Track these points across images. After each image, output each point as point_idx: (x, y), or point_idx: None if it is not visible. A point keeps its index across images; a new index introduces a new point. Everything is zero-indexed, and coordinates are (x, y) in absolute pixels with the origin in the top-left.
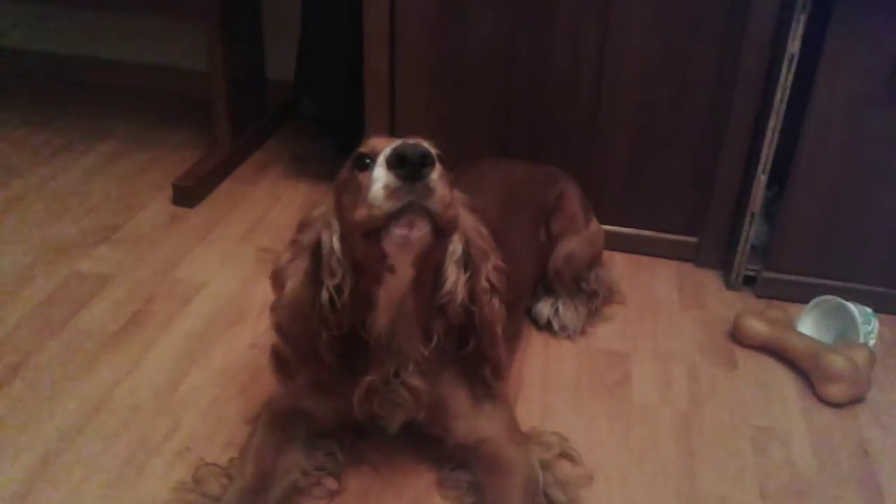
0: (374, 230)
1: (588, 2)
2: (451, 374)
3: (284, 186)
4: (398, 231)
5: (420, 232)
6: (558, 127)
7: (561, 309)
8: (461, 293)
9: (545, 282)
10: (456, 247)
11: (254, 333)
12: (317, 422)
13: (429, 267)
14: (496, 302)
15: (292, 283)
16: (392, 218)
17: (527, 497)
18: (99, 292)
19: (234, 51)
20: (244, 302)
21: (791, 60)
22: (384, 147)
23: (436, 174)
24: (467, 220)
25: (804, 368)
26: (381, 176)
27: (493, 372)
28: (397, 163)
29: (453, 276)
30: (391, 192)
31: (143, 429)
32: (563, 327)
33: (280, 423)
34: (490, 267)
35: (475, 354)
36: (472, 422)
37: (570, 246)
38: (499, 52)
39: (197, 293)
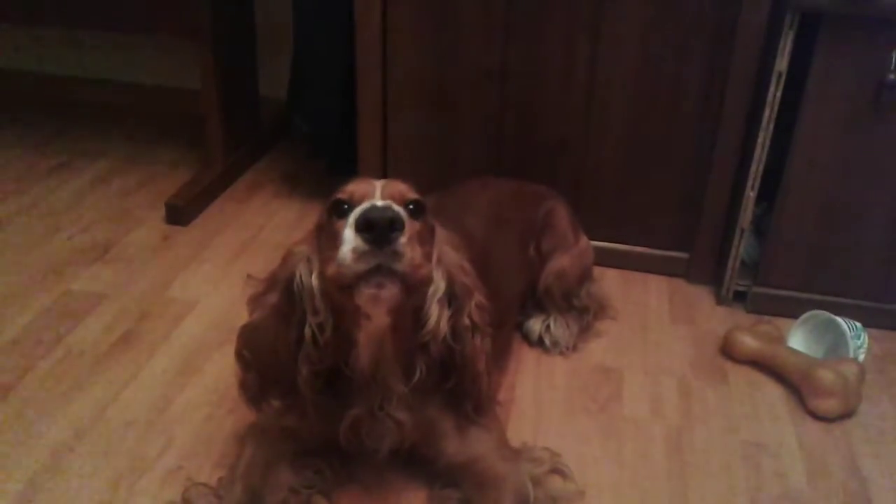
0: (346, 286)
1: (578, 20)
2: (439, 396)
3: (277, 205)
4: (367, 290)
5: (389, 292)
6: (549, 144)
7: (552, 325)
8: (444, 330)
9: (536, 298)
10: (438, 285)
11: None
12: (303, 441)
13: (406, 313)
14: (478, 339)
15: (258, 315)
16: (361, 278)
17: None
18: (91, 311)
19: (227, 69)
20: (236, 320)
21: (779, 78)
22: (362, 193)
23: (404, 238)
24: (450, 256)
25: (794, 383)
26: (349, 238)
27: (475, 407)
28: (365, 227)
29: (435, 315)
30: (359, 255)
31: (135, 447)
32: (555, 343)
33: (268, 442)
34: (473, 305)
35: (457, 390)
36: (461, 441)
37: (561, 262)
38: (490, 69)
39: (189, 311)
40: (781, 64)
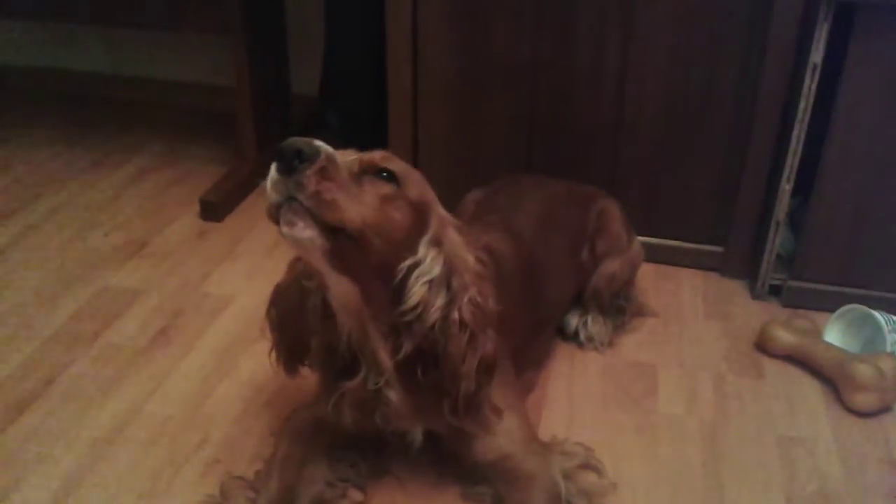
0: (275, 223)
1: (609, 12)
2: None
3: None
4: (283, 228)
5: (302, 232)
6: (581, 136)
7: (589, 321)
8: (433, 316)
9: (582, 299)
10: (430, 266)
11: None
12: (337, 434)
13: (371, 280)
14: (465, 338)
15: (285, 277)
16: (278, 214)
17: None
18: (129, 307)
19: (260, 66)
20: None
21: (814, 70)
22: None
23: (311, 171)
24: (454, 245)
25: (831, 378)
26: (271, 169)
27: (451, 409)
28: (277, 156)
29: (420, 295)
30: (272, 184)
31: (172, 441)
32: (590, 339)
33: (303, 436)
34: (465, 300)
35: (438, 386)
36: (490, 439)
37: (613, 266)
38: (521, 61)
39: (225, 307)
40: (816, 55)
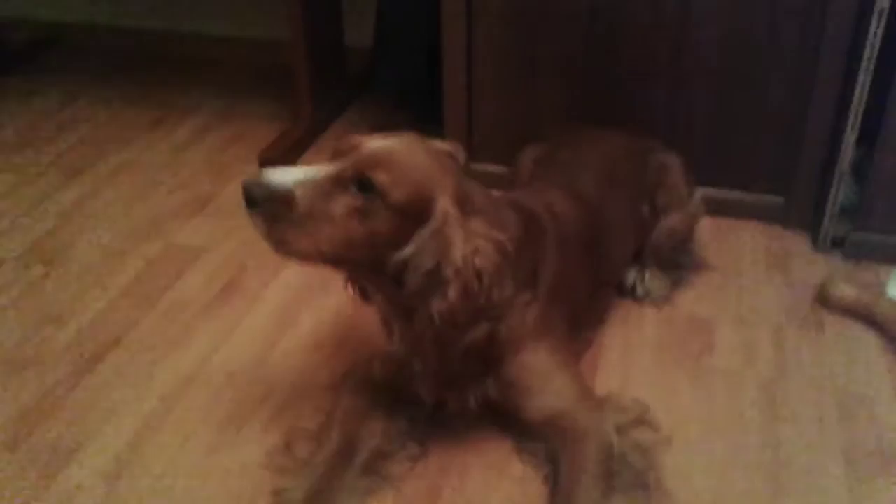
0: None
1: None
2: (520, 352)
3: None
4: None
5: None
6: (639, 84)
7: (648, 276)
8: (426, 261)
9: (642, 254)
10: (424, 259)
11: (339, 302)
12: (396, 390)
13: (363, 271)
14: (453, 297)
15: None
16: None
17: (601, 463)
18: (192, 264)
19: (314, 20)
20: (329, 272)
21: (881, 14)
22: (338, 151)
23: (257, 216)
24: (457, 238)
25: (893, 333)
26: None
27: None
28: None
29: (416, 285)
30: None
31: (238, 395)
32: (648, 293)
33: (363, 390)
34: (471, 258)
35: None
36: (543, 398)
37: (674, 221)
38: (576, 5)
39: (285, 264)
40: (884, 1)
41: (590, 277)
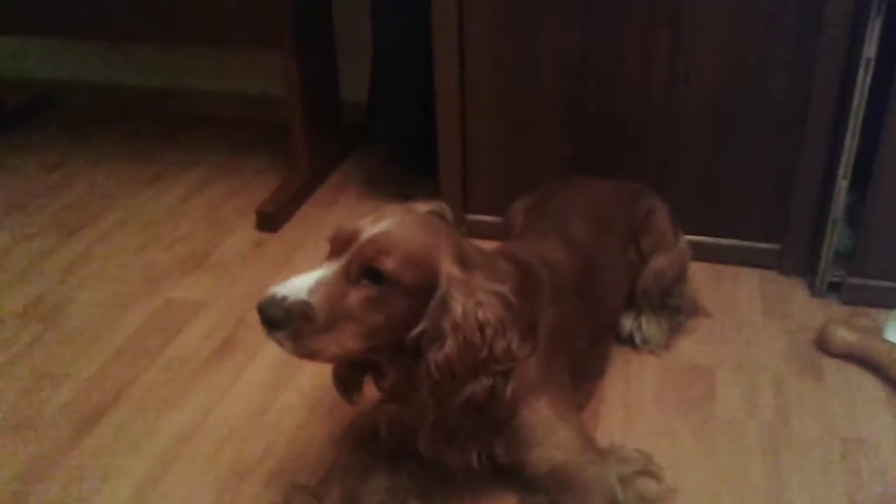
0: None
1: (659, 7)
2: (521, 407)
3: (362, 207)
4: None
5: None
6: (631, 136)
7: (644, 323)
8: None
9: (633, 298)
10: (436, 331)
11: None
12: (397, 444)
13: (389, 356)
14: (450, 348)
15: None
16: None
17: None
18: (191, 319)
19: (310, 77)
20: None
21: (868, 64)
22: (339, 241)
23: (282, 336)
24: (462, 302)
25: (893, 377)
26: None
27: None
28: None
29: (433, 360)
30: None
31: (237, 452)
32: (645, 341)
33: (364, 445)
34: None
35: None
36: (545, 450)
37: (660, 263)
38: (569, 62)
39: None
40: (870, 50)
41: (588, 325)
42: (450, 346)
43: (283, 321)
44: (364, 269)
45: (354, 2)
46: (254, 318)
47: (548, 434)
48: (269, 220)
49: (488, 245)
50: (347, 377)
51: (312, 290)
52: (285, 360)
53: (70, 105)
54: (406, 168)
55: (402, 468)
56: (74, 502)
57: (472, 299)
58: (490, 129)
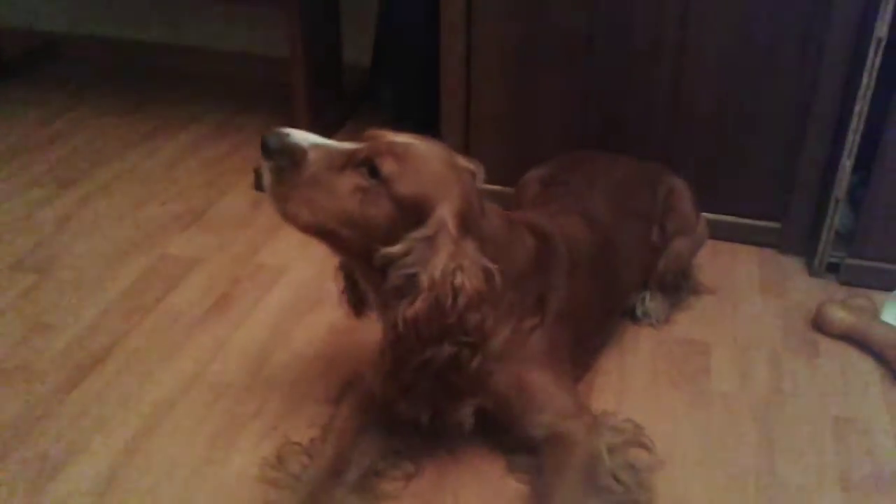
0: None
1: None
2: (517, 369)
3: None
4: None
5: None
6: (638, 110)
7: (647, 298)
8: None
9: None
10: (410, 261)
11: (332, 317)
12: (393, 408)
13: (351, 254)
14: (419, 306)
15: None
16: None
17: (585, 470)
18: (187, 275)
19: (313, 37)
20: (324, 286)
21: (879, 44)
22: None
23: (267, 167)
24: (446, 255)
25: (888, 358)
26: None
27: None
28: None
29: (394, 284)
30: None
31: (231, 407)
32: (646, 314)
33: (360, 406)
34: (448, 278)
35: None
36: (537, 414)
37: (681, 246)
38: (577, 32)
39: (279, 277)
40: (882, 29)
41: (600, 304)
42: (420, 303)
43: (275, 152)
44: (368, 159)
45: None
46: (249, 276)
47: (541, 399)
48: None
49: None
50: (352, 293)
51: (314, 146)
52: (280, 321)
53: (69, 58)
54: (408, 133)
55: (396, 431)
56: (66, 453)
57: (454, 262)
58: (495, 100)
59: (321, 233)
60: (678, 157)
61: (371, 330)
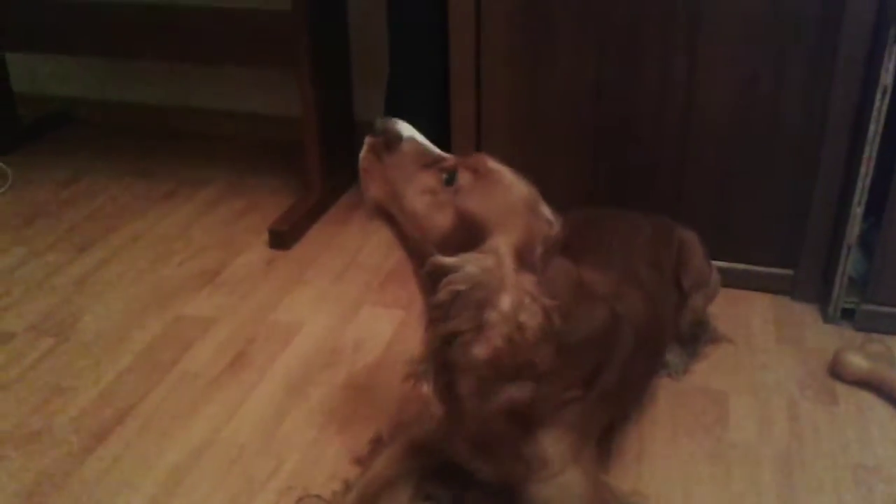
0: None
1: (675, 34)
2: (541, 434)
3: (374, 226)
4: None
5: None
6: (646, 160)
7: (668, 351)
8: (448, 327)
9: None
10: (463, 277)
11: (349, 373)
12: (428, 458)
13: (407, 250)
14: (472, 377)
15: None
16: None
17: None
18: (203, 335)
19: (325, 97)
20: (339, 341)
21: (885, 92)
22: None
23: (367, 142)
24: (510, 281)
25: None
26: None
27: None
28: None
29: (442, 298)
30: None
31: (247, 468)
32: (665, 367)
33: (393, 458)
34: (491, 335)
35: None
36: (543, 487)
37: (698, 301)
38: (584, 89)
39: (295, 334)
40: (887, 78)
41: (642, 378)
42: (498, 340)
43: (378, 131)
44: (452, 167)
45: (370, 24)
46: (265, 335)
47: (557, 472)
48: (282, 238)
49: None
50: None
51: (412, 139)
52: (295, 379)
53: (85, 121)
54: None
55: (424, 489)
56: None
57: (518, 297)
58: (504, 153)
59: (384, 214)
60: (688, 207)
61: (388, 387)
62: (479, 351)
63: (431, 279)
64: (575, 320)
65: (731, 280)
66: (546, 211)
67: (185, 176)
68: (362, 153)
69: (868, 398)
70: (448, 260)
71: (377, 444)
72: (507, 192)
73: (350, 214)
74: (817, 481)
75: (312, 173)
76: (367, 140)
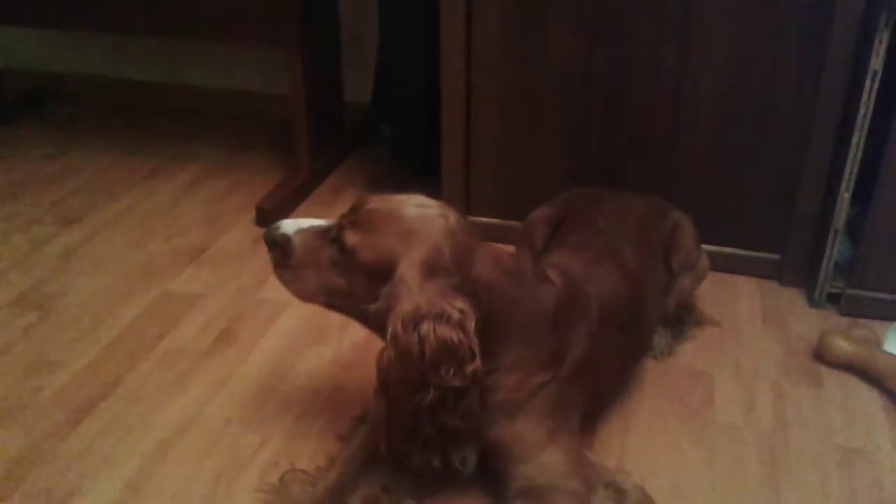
0: None
1: (666, 20)
2: (515, 421)
3: None
4: None
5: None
6: (636, 145)
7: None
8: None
9: None
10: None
11: (336, 351)
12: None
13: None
14: (388, 356)
15: None
16: None
17: None
18: (189, 311)
19: (314, 76)
20: (326, 320)
21: (874, 76)
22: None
23: (271, 257)
24: (404, 303)
25: (891, 388)
26: None
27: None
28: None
29: (378, 304)
30: None
31: (233, 444)
32: (651, 348)
33: (371, 440)
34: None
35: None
36: (527, 468)
37: (685, 282)
38: (576, 72)
39: (281, 312)
40: (877, 62)
41: (623, 357)
42: (388, 352)
43: (270, 244)
44: (338, 234)
45: (361, 4)
46: (251, 311)
47: (535, 454)
48: (269, 216)
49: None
50: None
51: (298, 232)
52: (282, 355)
53: (70, 97)
54: (407, 170)
55: (404, 470)
56: (67, 492)
57: (418, 312)
58: (495, 138)
59: (322, 304)
60: (677, 190)
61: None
62: (378, 362)
63: (377, 326)
64: (521, 305)
65: (718, 263)
66: (434, 208)
67: (173, 152)
68: (273, 269)
69: (852, 381)
70: (373, 306)
71: (361, 421)
72: (390, 223)
73: (336, 195)
74: (801, 462)
75: (300, 152)
76: (270, 256)
